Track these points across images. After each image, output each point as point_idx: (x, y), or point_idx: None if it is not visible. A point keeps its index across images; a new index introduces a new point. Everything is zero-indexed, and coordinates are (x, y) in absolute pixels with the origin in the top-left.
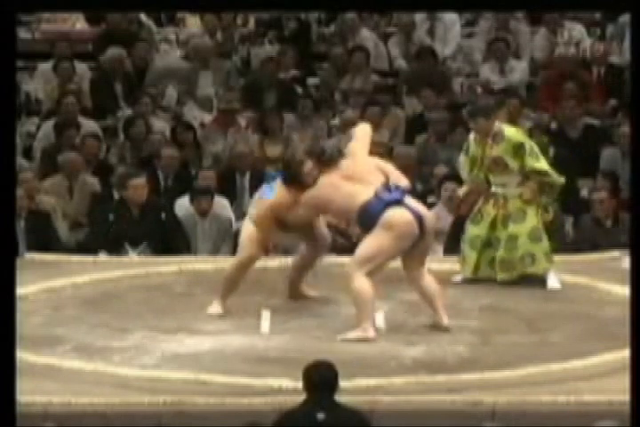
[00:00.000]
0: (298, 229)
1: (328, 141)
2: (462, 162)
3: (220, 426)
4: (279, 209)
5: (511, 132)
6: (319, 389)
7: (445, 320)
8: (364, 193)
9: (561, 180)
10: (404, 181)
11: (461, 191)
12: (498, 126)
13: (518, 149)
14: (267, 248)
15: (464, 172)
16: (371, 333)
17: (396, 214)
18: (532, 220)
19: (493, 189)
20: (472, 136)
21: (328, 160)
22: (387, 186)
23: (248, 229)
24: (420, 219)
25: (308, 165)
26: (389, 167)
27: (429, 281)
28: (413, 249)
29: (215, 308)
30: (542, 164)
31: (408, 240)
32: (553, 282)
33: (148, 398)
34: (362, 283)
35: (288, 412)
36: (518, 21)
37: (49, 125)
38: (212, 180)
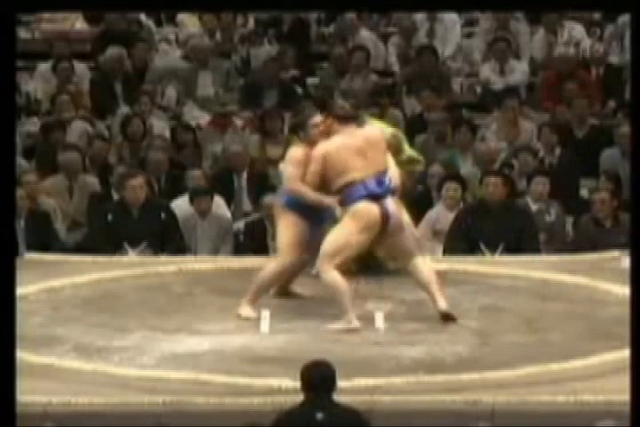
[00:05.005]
0: None
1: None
2: None
3: (220, 426)
4: (298, 164)
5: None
6: (317, 388)
7: (442, 305)
8: (357, 171)
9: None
10: (395, 180)
11: None
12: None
13: None
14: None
15: None
16: (355, 323)
17: (365, 207)
18: None
19: None
20: None
21: (347, 117)
22: (379, 176)
23: (285, 235)
24: (386, 217)
25: (316, 119)
26: (392, 163)
27: (423, 270)
28: (390, 248)
29: (247, 311)
30: None
31: (372, 234)
32: None
33: (147, 398)
34: (333, 276)
35: (287, 412)
36: (518, 21)
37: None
38: (200, 179)
